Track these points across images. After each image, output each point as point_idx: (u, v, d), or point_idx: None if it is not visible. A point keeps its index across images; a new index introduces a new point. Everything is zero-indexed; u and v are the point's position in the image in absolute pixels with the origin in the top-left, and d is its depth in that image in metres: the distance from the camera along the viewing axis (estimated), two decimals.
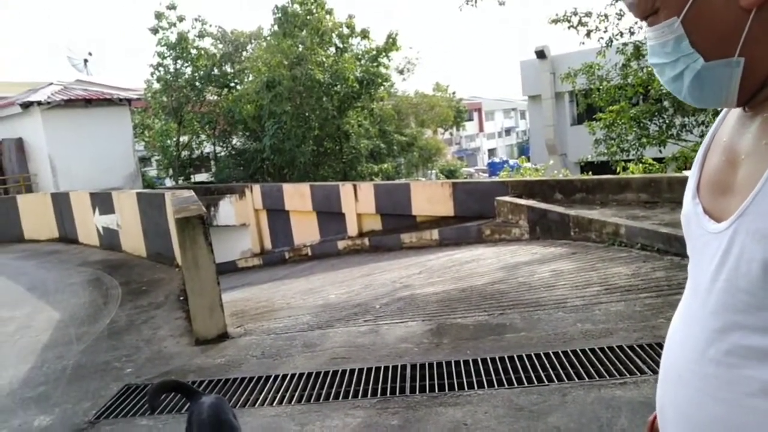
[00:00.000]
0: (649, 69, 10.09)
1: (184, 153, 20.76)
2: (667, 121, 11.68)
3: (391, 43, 19.22)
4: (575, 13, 11.16)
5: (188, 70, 19.54)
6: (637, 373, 3.35)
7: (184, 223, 5.17)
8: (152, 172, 23.43)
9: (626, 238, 6.43)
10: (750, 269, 0.71)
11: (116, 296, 7.14)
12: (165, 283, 7.58)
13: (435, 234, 9.54)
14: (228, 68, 20.25)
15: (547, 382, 3.40)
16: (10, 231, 13.13)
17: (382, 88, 19.40)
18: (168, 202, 7.53)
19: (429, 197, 10.56)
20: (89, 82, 18.95)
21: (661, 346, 0.92)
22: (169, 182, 21.07)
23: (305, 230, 12.99)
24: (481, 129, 55.37)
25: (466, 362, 3.78)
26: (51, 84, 17.23)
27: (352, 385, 3.69)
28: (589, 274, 5.55)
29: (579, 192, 8.63)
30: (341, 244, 11.22)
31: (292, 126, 17.05)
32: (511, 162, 29.31)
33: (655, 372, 0.91)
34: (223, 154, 21.21)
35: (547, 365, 3.60)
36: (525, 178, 11.73)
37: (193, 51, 19.35)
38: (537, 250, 7.11)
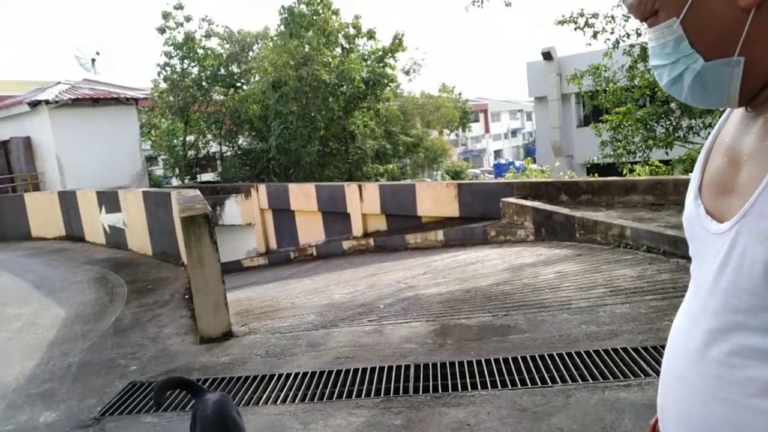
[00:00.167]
0: None
1: (191, 152, 20.82)
2: (674, 123, 11.62)
3: (397, 44, 19.23)
4: (582, 15, 11.14)
5: (195, 70, 19.61)
6: (642, 375, 3.34)
7: (190, 222, 5.20)
8: (159, 171, 23.51)
9: (632, 240, 6.41)
10: (753, 270, 0.71)
11: (122, 294, 7.17)
12: (170, 281, 7.61)
13: (440, 235, 9.53)
14: (234, 68, 20.30)
15: (550, 384, 3.40)
16: (18, 229, 13.21)
17: (388, 88, 19.40)
18: (174, 201, 7.57)
19: (434, 198, 10.55)
20: (97, 82, 19.03)
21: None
22: (175, 181, 21.14)
23: (310, 230, 13.01)
24: (487, 130, 55.30)
25: (469, 363, 3.78)
26: (59, 83, 17.32)
27: (356, 385, 3.70)
28: (594, 276, 5.54)
29: (584, 194, 8.61)
30: (346, 245, 11.23)
31: (298, 126, 17.08)
32: (517, 163, 29.24)
33: (660, 374, 0.90)
34: (229, 153, 21.26)
35: (551, 366, 3.59)
36: (530, 179, 11.69)
37: (200, 51, 19.41)
38: (542, 251, 7.10)
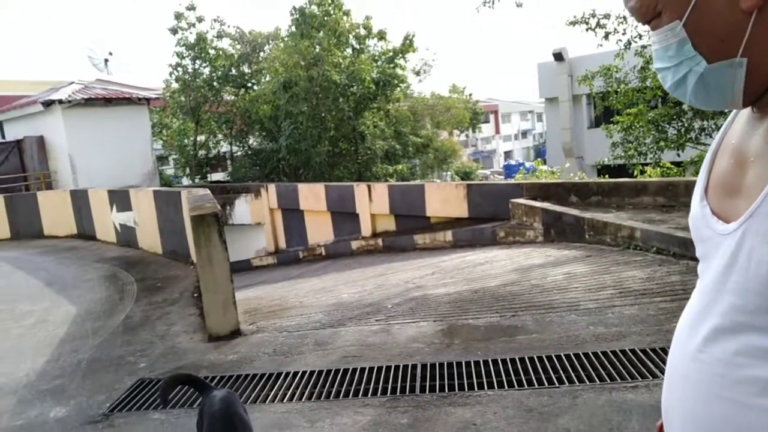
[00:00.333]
0: None
1: (201, 152, 20.94)
2: (685, 125, 11.54)
3: (407, 45, 19.22)
4: (593, 15, 11.09)
5: (206, 70, 19.72)
6: (650, 377, 3.32)
7: (199, 221, 5.23)
8: (170, 170, 23.66)
9: (641, 242, 6.37)
10: (759, 271, 0.71)
11: (132, 292, 7.23)
12: (180, 280, 7.66)
13: (449, 235, 9.52)
14: (245, 69, 20.39)
15: (557, 384, 3.39)
16: (30, 227, 13.35)
17: (398, 89, 19.39)
18: (184, 200, 7.62)
19: (443, 198, 10.54)
20: (109, 82, 19.16)
21: None
22: (186, 181, 21.27)
23: (319, 230, 13.04)
24: (497, 131, 55.14)
25: (476, 363, 3.78)
26: (72, 83, 17.48)
27: (363, 384, 3.71)
28: (603, 278, 5.51)
29: (594, 195, 8.56)
30: (355, 245, 11.24)
31: (308, 126, 17.13)
32: (527, 164, 29.14)
33: (663, 382, 0.91)
34: (239, 153, 21.36)
35: (558, 367, 3.58)
36: (540, 180, 11.65)
37: (212, 51, 19.51)
38: (551, 252, 7.07)
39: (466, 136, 40.43)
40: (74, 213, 12.66)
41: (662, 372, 3.33)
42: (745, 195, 0.76)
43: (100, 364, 4.75)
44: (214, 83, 19.60)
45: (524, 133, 60.22)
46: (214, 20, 19.73)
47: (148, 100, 17.62)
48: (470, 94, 28.66)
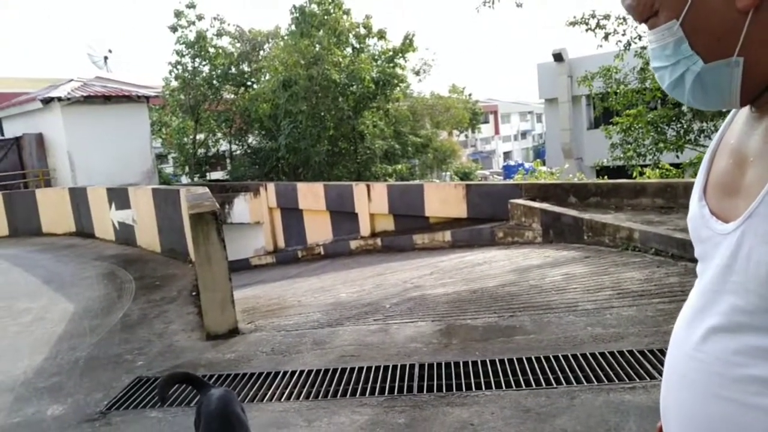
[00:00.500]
0: None
1: (201, 151, 20.93)
2: (685, 126, 11.55)
3: (407, 44, 19.21)
4: (593, 16, 11.09)
5: (206, 69, 19.70)
6: (647, 378, 3.33)
7: (198, 219, 5.23)
8: (169, 169, 23.64)
9: (640, 243, 6.37)
10: (759, 271, 0.71)
11: (130, 290, 7.23)
12: (178, 278, 7.66)
13: (447, 235, 9.52)
14: (245, 67, 20.38)
15: (555, 385, 3.39)
16: (29, 224, 13.33)
17: (398, 89, 19.39)
18: (183, 198, 7.61)
19: (442, 199, 10.54)
20: (108, 79, 19.11)
21: None
22: (185, 179, 21.26)
23: (318, 229, 13.04)
24: (496, 132, 55.14)
25: (474, 363, 3.78)
26: (71, 80, 17.46)
27: (360, 383, 3.71)
28: (602, 279, 5.51)
29: (593, 196, 8.57)
30: (353, 244, 11.24)
31: (307, 125, 17.12)
32: (527, 165, 29.14)
33: (661, 382, 0.91)
34: (238, 152, 21.34)
35: (556, 368, 3.58)
36: (539, 181, 11.65)
37: (211, 49, 19.50)
38: (549, 253, 7.07)
39: (466, 136, 40.42)
40: (73, 211, 12.65)
41: (660, 373, 3.33)
42: (744, 195, 0.76)
43: (97, 362, 4.74)
44: (214, 81, 19.59)
45: (523, 134, 60.23)
46: (214, 18, 19.73)
47: (147, 98, 17.60)
48: (470, 95, 28.64)
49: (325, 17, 18.05)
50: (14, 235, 13.40)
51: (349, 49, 19.17)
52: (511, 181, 13.70)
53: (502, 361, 3.76)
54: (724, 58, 0.75)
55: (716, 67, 0.76)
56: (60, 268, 9.06)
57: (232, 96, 20.30)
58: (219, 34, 19.79)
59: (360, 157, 18.85)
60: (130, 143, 16.55)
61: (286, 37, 19.19)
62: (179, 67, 19.46)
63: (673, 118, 11.50)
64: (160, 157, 22.59)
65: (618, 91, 12.17)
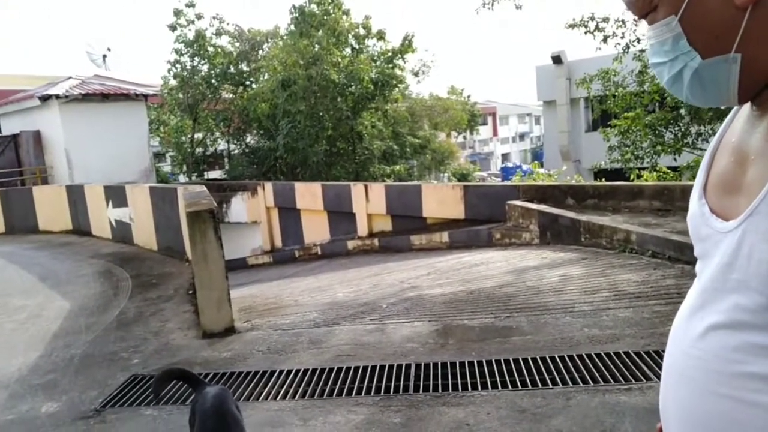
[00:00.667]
0: None
1: (199, 150, 20.91)
2: (682, 129, 11.57)
3: (406, 45, 19.22)
4: (592, 18, 11.10)
5: (205, 68, 19.69)
6: (643, 379, 3.33)
7: (195, 217, 5.22)
8: (166, 167, 23.61)
9: (637, 245, 6.38)
10: (760, 270, 0.71)
11: (126, 288, 7.21)
12: (175, 276, 7.64)
13: (445, 236, 9.52)
14: (244, 66, 20.37)
15: (551, 386, 3.39)
16: (25, 222, 13.30)
17: (397, 89, 19.39)
18: (180, 196, 7.60)
19: (440, 199, 10.54)
20: (107, 77, 19.06)
21: None
22: (182, 178, 21.23)
23: (316, 229, 13.02)
24: (495, 133, 55.18)
25: (470, 363, 3.78)
26: (69, 78, 17.41)
27: (356, 383, 3.70)
28: (599, 280, 5.52)
29: (591, 198, 8.58)
30: (351, 244, 11.23)
31: (305, 125, 17.11)
32: (525, 167, 29.18)
33: (660, 379, 0.90)
34: (236, 151, 21.32)
35: (552, 369, 3.58)
36: (537, 182, 11.67)
37: (210, 49, 19.49)
38: (547, 254, 7.08)
39: (464, 137, 40.43)
40: (70, 208, 12.62)
41: (656, 375, 3.33)
42: (745, 193, 0.76)
43: (93, 359, 4.73)
44: (213, 81, 19.58)
45: (522, 136, 60.28)
46: (213, 17, 19.74)
47: (145, 96, 17.57)
48: (468, 96, 28.70)
49: (325, 17, 18.05)
50: (11, 233, 13.36)
51: (348, 50, 19.18)
52: (508, 183, 13.73)
53: (498, 362, 3.76)
54: (722, 54, 0.74)
55: (714, 64, 0.76)
56: (56, 266, 9.04)
57: (231, 95, 20.28)
58: (218, 34, 19.79)
59: (358, 158, 18.85)
60: (128, 141, 16.52)
61: (285, 37, 19.19)
62: (178, 65, 19.44)
63: (671, 122, 11.52)
64: (158, 156, 22.56)
65: (616, 93, 12.19)
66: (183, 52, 19.31)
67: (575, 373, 3.49)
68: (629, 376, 3.38)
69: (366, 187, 11.75)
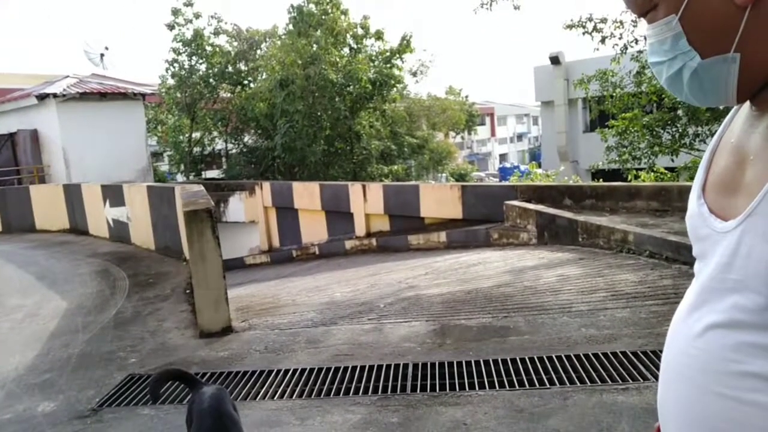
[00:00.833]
0: None
1: (196, 149, 20.89)
2: (680, 130, 11.59)
3: (404, 45, 19.22)
4: (590, 19, 11.12)
5: (203, 67, 19.66)
6: (640, 379, 3.33)
7: (192, 216, 5.21)
8: (164, 167, 23.58)
9: (634, 246, 6.39)
10: (759, 270, 0.70)
11: (123, 288, 7.19)
12: (172, 276, 7.63)
13: (443, 236, 9.52)
14: (242, 66, 20.35)
15: (548, 385, 3.39)
16: (23, 221, 13.27)
17: (395, 89, 19.39)
18: (177, 195, 7.58)
19: (438, 199, 10.55)
20: (104, 76, 19.03)
21: None
22: (180, 178, 21.20)
23: (313, 229, 13.02)
24: (493, 134, 55.22)
25: (468, 363, 3.78)
26: (67, 77, 17.38)
27: (354, 382, 3.70)
28: (596, 280, 5.52)
29: (588, 198, 8.59)
30: (349, 244, 11.23)
31: (303, 125, 17.11)
32: (522, 167, 29.21)
33: (658, 379, 0.90)
34: (234, 151, 21.31)
35: (550, 369, 3.59)
36: (534, 183, 11.69)
37: (208, 48, 19.46)
38: (544, 254, 7.08)
39: (462, 138, 40.45)
40: (67, 207, 12.59)
41: (653, 374, 3.34)
42: (744, 193, 0.75)
43: (90, 359, 4.72)
44: (211, 80, 19.55)
45: (520, 136, 60.33)
46: (212, 17, 19.71)
47: (143, 95, 17.54)
48: (466, 96, 28.74)
49: (323, 17, 18.05)
50: (7, 232, 13.33)
51: (346, 50, 19.18)
52: (506, 183, 13.74)
53: (495, 362, 3.76)
54: (721, 53, 0.74)
55: (713, 63, 0.75)
56: (53, 265, 9.02)
57: (229, 95, 20.27)
58: (216, 33, 19.76)
59: (356, 158, 18.85)
60: (126, 141, 16.49)
61: (283, 37, 19.18)
62: (176, 65, 19.41)
63: (669, 122, 11.55)
64: (156, 155, 22.53)
65: (614, 94, 12.21)
66: (181, 51, 19.28)
67: (572, 373, 3.49)
68: (626, 376, 3.39)
69: (364, 186, 11.75)
